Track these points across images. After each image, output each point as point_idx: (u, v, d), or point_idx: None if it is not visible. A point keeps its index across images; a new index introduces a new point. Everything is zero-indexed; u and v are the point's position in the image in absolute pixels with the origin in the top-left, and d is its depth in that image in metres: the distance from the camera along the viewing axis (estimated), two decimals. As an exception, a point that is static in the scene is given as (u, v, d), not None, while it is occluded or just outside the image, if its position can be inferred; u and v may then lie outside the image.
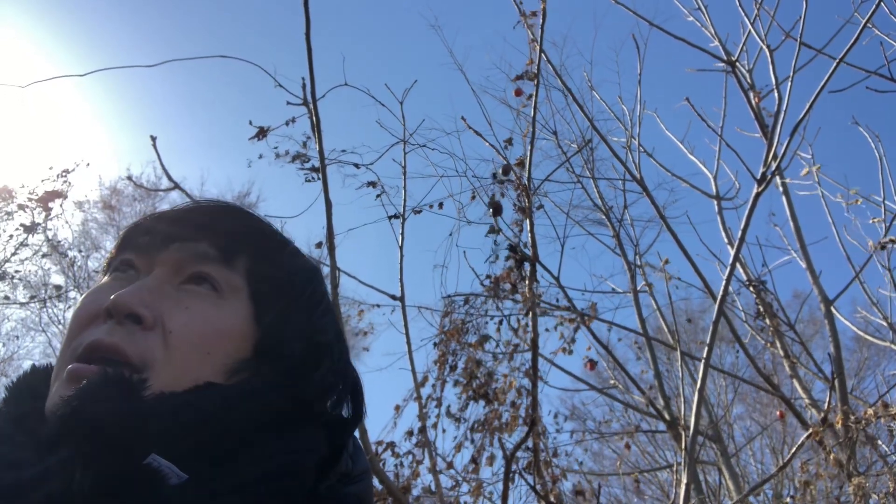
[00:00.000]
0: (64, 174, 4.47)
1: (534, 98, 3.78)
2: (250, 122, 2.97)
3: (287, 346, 0.72)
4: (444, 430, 3.61)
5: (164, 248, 0.72)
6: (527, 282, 3.35)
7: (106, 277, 0.74)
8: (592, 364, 5.86)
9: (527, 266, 3.39)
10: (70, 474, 0.53)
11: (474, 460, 3.44)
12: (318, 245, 2.88)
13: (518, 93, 3.89)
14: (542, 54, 3.73)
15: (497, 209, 3.60)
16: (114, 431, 0.55)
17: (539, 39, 3.64)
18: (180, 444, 0.58)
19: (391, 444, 3.40)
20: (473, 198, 4.10)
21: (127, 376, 0.59)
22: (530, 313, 3.40)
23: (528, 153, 3.62)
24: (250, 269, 0.74)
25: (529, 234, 3.37)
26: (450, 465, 3.43)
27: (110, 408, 0.56)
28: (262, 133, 2.95)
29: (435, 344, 3.57)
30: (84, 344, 0.65)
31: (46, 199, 4.30)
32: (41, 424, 0.61)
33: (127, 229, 0.77)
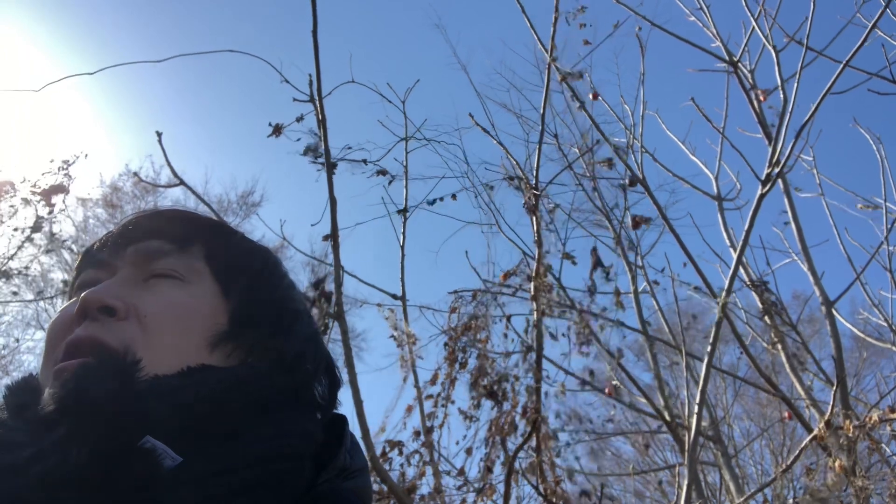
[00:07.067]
0: (64, 166, 4.42)
1: (543, 102, 3.82)
2: (270, 124, 3.01)
3: (260, 313, 0.74)
4: (456, 442, 3.59)
5: (122, 252, 0.74)
6: (533, 281, 3.36)
7: (73, 298, 0.75)
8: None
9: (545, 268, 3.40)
10: (65, 454, 0.53)
11: (487, 465, 3.43)
12: (326, 238, 2.90)
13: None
14: (548, 52, 3.75)
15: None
16: (111, 411, 0.55)
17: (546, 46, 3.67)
18: (175, 426, 0.58)
19: (398, 443, 3.39)
20: (482, 197, 4.12)
21: (121, 359, 0.60)
22: (535, 312, 3.40)
23: (537, 155, 3.66)
24: (207, 253, 0.76)
25: (536, 234, 3.38)
26: (461, 472, 3.42)
27: (107, 388, 0.57)
28: (277, 131, 2.98)
29: (445, 344, 3.57)
30: (63, 347, 0.65)
31: (49, 194, 4.28)
32: (39, 413, 0.61)
33: (81, 254, 0.80)
